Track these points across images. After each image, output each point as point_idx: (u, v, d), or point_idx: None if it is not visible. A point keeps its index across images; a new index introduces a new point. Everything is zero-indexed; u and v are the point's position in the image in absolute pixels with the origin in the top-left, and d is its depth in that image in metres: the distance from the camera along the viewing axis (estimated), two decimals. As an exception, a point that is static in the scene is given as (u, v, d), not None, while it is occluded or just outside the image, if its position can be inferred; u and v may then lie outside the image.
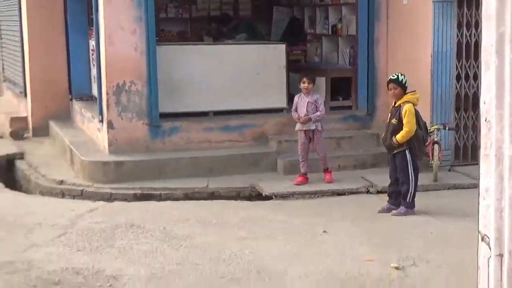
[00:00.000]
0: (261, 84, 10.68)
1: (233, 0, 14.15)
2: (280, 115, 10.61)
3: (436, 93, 9.84)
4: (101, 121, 10.05)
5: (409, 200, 7.94)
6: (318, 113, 9.29)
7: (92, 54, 11.49)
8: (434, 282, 5.85)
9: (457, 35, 9.93)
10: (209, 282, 5.86)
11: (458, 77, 10.04)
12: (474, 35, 9.90)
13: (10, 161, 11.01)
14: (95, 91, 11.26)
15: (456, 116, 10.10)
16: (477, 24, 9.74)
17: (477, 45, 9.72)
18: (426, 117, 8.93)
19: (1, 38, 16.66)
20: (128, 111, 9.80)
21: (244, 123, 10.39)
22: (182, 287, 5.77)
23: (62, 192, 9.21)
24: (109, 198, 8.87)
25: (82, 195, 9.04)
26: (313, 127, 9.26)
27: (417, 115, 7.84)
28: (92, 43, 11.25)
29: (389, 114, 8.11)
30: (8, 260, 6.38)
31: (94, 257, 6.48)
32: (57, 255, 6.55)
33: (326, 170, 9.41)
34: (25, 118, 12.96)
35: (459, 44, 9.97)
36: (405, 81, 7.92)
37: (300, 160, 9.36)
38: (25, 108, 13.47)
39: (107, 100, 9.75)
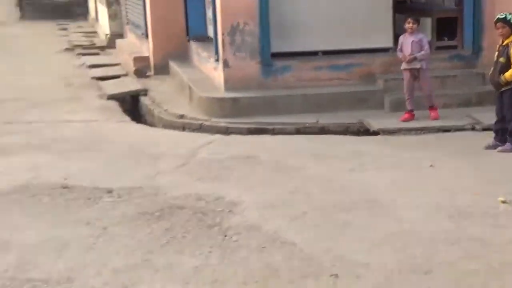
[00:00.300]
0: (368, 25, 10.43)
1: None
2: (386, 55, 10.34)
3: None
4: (217, 60, 10.10)
5: (516, 137, 7.68)
6: (422, 52, 9.05)
7: (209, -3, 11.50)
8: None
9: None
10: (321, 210, 5.85)
11: None
12: None
13: (134, 97, 11.25)
14: (210, 32, 11.28)
15: None
16: None
17: None
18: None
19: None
20: (242, 50, 9.79)
21: (352, 62, 10.21)
22: (296, 214, 5.77)
23: (183, 125, 9.37)
24: (225, 131, 8.95)
25: (200, 128, 9.17)
26: (418, 65, 9.04)
27: (525, 54, 7.51)
28: (208, -13, 11.26)
29: (496, 53, 7.79)
30: (137, 185, 6.62)
31: (213, 185, 6.60)
32: (181, 182, 6.73)
33: (431, 108, 9.17)
34: (147, 58, 13.18)
35: None
36: None
37: (406, 97, 9.17)
38: (146, 49, 13.69)
39: (222, 41, 9.77)
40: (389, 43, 10.45)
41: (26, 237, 5.37)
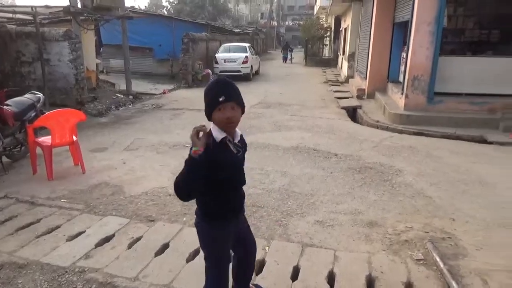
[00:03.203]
0: (498, 80, 8.86)
1: (487, 31, 11.83)
2: (507, 98, 8.76)
3: None
4: (402, 93, 9.45)
5: None
6: None
7: (403, 59, 10.76)
8: None
9: None
10: (450, 182, 5.30)
11: None
12: None
13: (354, 109, 11.04)
14: (401, 78, 10.56)
15: None
16: None
17: None
18: None
19: (358, 50, 16.45)
20: (417, 89, 9.05)
21: (483, 100, 8.80)
22: (434, 181, 5.30)
23: (377, 126, 8.96)
24: (400, 132, 8.36)
25: (387, 129, 8.68)
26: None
27: None
28: (403, 54, 10.52)
29: None
30: (350, 154, 6.54)
31: (390, 159, 6.28)
32: (372, 155, 6.49)
33: None
34: (364, 89, 12.76)
35: None
36: None
37: (516, 125, 7.75)
38: (364, 84, 13.24)
39: (407, 84, 9.10)
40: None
41: (294, 171, 5.66)
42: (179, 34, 16.41)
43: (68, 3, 10.16)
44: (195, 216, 2.31)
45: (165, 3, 50.93)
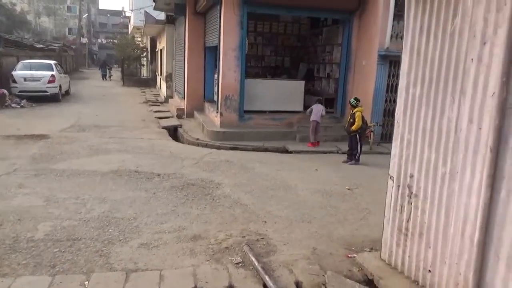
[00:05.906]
0: (291, 99, 10.59)
1: (282, 58, 13.95)
2: (299, 114, 10.40)
3: (375, 108, 9.61)
4: (217, 112, 10.15)
5: (357, 158, 7.85)
6: (324, 114, 9.16)
7: (216, 81, 11.54)
8: (366, 196, 5.81)
9: (387, 80, 9.64)
10: (260, 189, 5.96)
11: (386, 101, 9.77)
12: (395, 80, 9.60)
13: (175, 128, 11.24)
14: (215, 98, 11.31)
15: (383, 119, 9.85)
16: (398, 75, 9.48)
17: (397, 85, 9.50)
18: (368, 118, 8.77)
19: (175, 71, 16.86)
20: (229, 108, 9.88)
21: (282, 116, 10.30)
22: (248, 190, 5.87)
23: (198, 143, 9.34)
24: (218, 148, 8.96)
25: (206, 146, 9.15)
26: (318, 120, 9.08)
27: (362, 117, 7.72)
28: (215, 76, 11.30)
29: (349, 116, 7.97)
30: (173, 172, 6.61)
31: (210, 174, 6.64)
32: (194, 171, 6.73)
33: (316, 142, 9.27)
34: (183, 109, 13.14)
35: (388, 84, 9.66)
36: (358, 101, 7.82)
37: (311, 135, 9.22)
38: (183, 104, 13.63)
39: (221, 103, 9.85)
40: (301, 108, 10.56)
41: (114, 196, 5.38)
42: (-41, 47, 13.51)
43: None
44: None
45: None
